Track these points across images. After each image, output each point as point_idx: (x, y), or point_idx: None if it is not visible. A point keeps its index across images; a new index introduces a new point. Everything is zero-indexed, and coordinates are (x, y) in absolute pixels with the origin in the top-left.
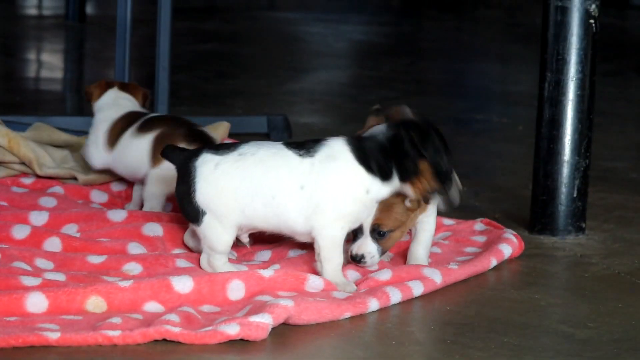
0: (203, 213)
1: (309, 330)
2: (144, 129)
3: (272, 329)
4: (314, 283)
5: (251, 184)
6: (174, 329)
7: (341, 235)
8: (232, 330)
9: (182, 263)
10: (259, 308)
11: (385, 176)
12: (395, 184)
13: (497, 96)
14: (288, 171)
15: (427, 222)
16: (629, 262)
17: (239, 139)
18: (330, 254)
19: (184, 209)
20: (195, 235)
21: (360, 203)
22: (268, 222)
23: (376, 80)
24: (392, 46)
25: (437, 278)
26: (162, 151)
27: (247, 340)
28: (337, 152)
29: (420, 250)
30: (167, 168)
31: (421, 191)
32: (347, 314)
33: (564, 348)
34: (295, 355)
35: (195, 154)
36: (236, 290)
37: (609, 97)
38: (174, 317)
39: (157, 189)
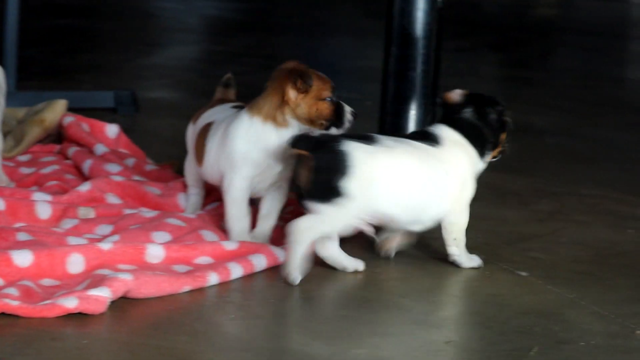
0: (339, 196)
1: (148, 303)
2: None
3: (111, 302)
4: (153, 252)
5: (406, 175)
6: (12, 302)
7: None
8: (70, 303)
9: (22, 237)
10: (98, 282)
11: (483, 155)
12: (487, 158)
13: (348, 72)
14: (436, 160)
15: (279, 197)
16: (473, 236)
17: (86, 114)
18: (463, 235)
19: (317, 186)
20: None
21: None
22: (406, 211)
23: (227, 55)
24: (244, 22)
25: (281, 254)
26: (292, 141)
27: (86, 314)
28: (455, 139)
29: (268, 226)
30: None
31: (498, 152)
32: (187, 288)
33: (402, 321)
34: (133, 328)
35: (333, 140)
36: (75, 264)
37: (460, 73)
38: (13, 291)
39: None
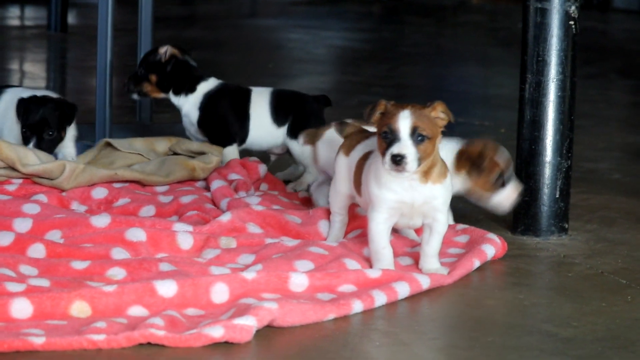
0: None
1: (293, 332)
2: None
3: (257, 331)
4: (297, 280)
5: None
6: (158, 332)
7: None
8: (216, 333)
9: (165, 267)
10: (243, 311)
11: None
12: None
13: (479, 99)
14: None
15: (441, 222)
16: (612, 261)
17: None
18: None
19: None
20: None
21: None
22: None
23: (357, 85)
24: (372, 52)
25: (424, 281)
26: None
27: (232, 343)
28: None
29: (434, 260)
30: None
31: None
32: (331, 316)
33: (548, 347)
34: (280, 357)
35: None
36: (220, 293)
37: (591, 99)
38: (158, 321)
39: None
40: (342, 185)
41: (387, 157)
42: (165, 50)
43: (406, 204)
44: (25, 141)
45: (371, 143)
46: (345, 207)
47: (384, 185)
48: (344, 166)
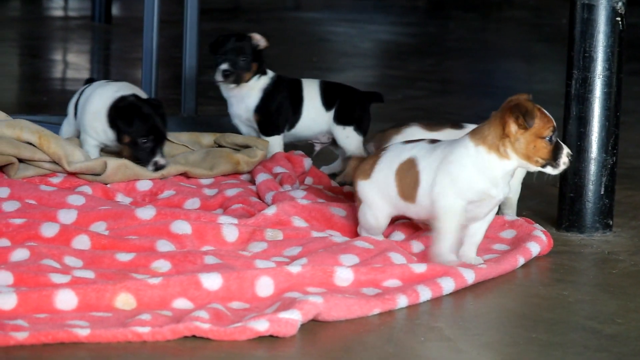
0: None
1: (338, 326)
2: None
3: (301, 325)
4: (342, 275)
5: None
6: (203, 325)
7: None
8: (261, 326)
9: (210, 260)
10: (288, 304)
11: None
12: None
13: None
14: None
15: (488, 218)
16: None
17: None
18: None
19: None
20: None
21: None
22: None
23: (402, 79)
24: (417, 46)
25: (469, 276)
26: None
27: (277, 337)
28: None
29: (473, 245)
30: None
31: None
32: (376, 310)
33: (592, 344)
34: (324, 351)
35: None
36: (265, 286)
37: (635, 96)
38: (203, 314)
39: None
40: (379, 210)
41: (565, 158)
42: (259, 37)
43: (496, 198)
44: (146, 155)
45: (393, 154)
46: (386, 225)
47: (492, 181)
48: (374, 189)
